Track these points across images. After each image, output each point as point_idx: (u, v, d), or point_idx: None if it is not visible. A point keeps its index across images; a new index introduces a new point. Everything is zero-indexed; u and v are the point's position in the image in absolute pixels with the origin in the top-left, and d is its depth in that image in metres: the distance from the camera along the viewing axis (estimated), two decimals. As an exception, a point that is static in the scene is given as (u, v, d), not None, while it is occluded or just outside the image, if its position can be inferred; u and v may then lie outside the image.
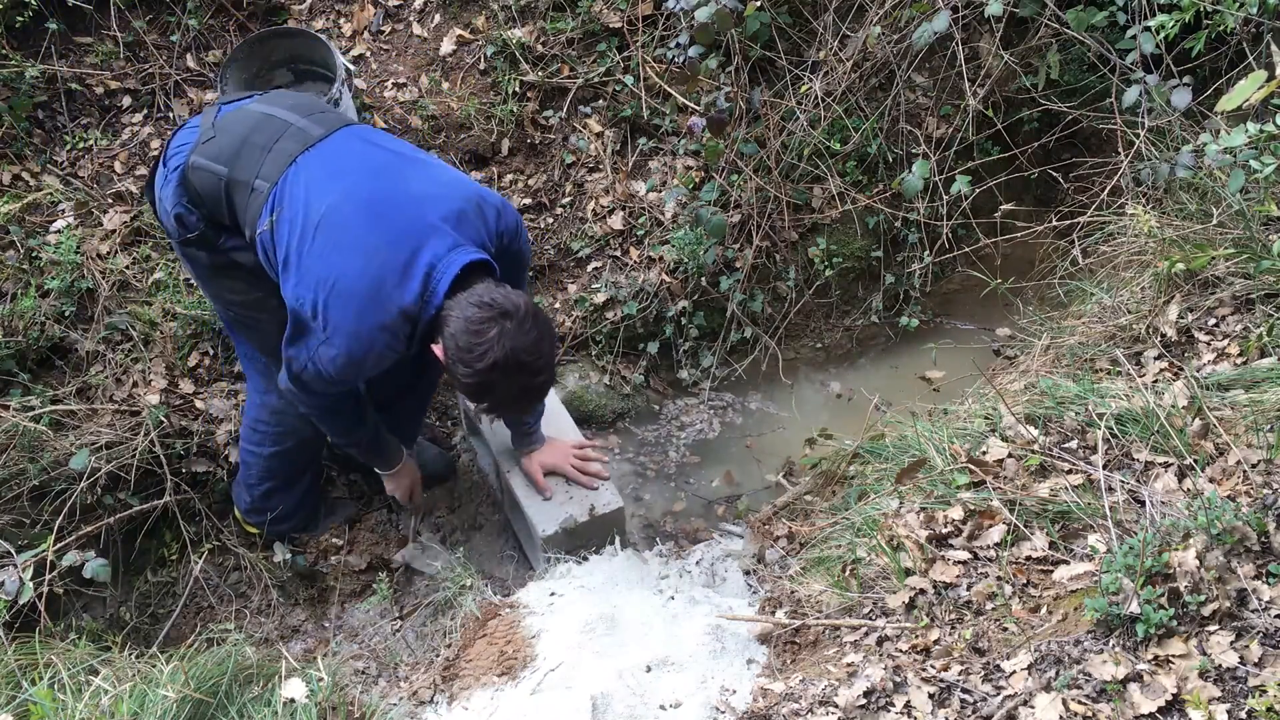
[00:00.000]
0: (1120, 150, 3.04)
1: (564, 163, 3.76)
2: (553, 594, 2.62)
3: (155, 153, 3.52)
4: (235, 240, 2.47)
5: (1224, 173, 2.65)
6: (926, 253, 3.57)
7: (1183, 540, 1.99)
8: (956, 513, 2.34)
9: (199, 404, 3.19)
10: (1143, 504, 2.18)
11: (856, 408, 3.55)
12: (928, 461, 2.52)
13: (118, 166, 3.49)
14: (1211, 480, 2.20)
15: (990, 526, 2.30)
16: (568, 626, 2.44)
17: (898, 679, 2.00)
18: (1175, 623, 1.90)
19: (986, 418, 2.63)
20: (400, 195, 2.26)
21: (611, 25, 3.79)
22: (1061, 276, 3.24)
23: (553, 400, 3.17)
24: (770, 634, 2.39)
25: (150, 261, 3.32)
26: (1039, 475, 2.36)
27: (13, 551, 2.24)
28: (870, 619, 2.24)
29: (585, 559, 2.81)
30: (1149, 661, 1.88)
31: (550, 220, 3.73)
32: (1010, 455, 2.42)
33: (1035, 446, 2.40)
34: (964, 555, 2.27)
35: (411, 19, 3.89)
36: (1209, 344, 2.68)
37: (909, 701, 1.96)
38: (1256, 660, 1.84)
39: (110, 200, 3.41)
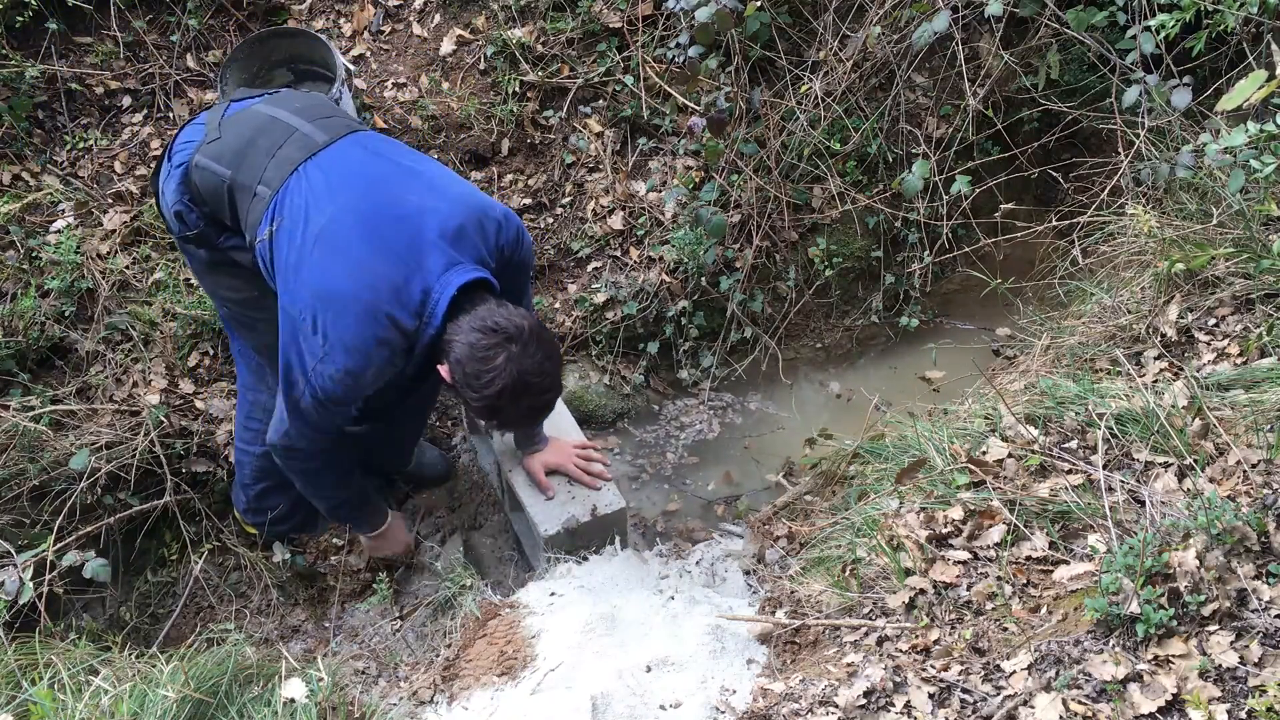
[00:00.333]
0: (1120, 150, 3.04)
1: (564, 163, 3.76)
2: (553, 594, 2.62)
3: (156, 153, 3.52)
4: (235, 240, 2.47)
5: (1224, 173, 2.65)
6: (926, 253, 3.57)
7: (1183, 540, 1.99)
8: (956, 513, 2.34)
9: (199, 404, 3.19)
10: (1143, 504, 2.18)
11: (856, 408, 3.55)
12: (928, 461, 2.52)
13: (118, 166, 3.49)
14: (1211, 480, 2.20)
15: (990, 526, 2.30)
16: (568, 626, 2.44)
17: (898, 679, 2.00)
18: (1175, 623, 1.90)
19: (986, 418, 2.63)
20: (398, 210, 2.25)
21: (611, 25, 3.79)
22: (1061, 276, 3.24)
23: (553, 400, 3.17)
24: (770, 634, 2.39)
25: (150, 261, 3.32)
26: (1039, 475, 2.36)
27: (13, 551, 2.24)
28: (870, 619, 2.24)
29: (585, 559, 2.81)
30: (1149, 661, 1.88)
31: (550, 220, 3.73)
32: (1010, 455, 2.42)
33: (1035, 446, 2.40)
34: (964, 555, 2.27)
35: (411, 19, 3.89)
36: (1209, 344, 2.68)
37: (909, 701, 1.96)
38: (1256, 660, 1.84)
39: (110, 200, 3.41)
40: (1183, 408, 2.36)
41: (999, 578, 2.18)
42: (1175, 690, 1.81)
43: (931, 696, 1.96)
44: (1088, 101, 3.43)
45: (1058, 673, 1.90)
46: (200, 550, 3.02)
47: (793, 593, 2.50)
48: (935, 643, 2.11)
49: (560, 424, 3.08)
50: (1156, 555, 1.95)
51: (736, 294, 3.61)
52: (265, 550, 3.10)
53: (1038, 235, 3.30)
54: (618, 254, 3.70)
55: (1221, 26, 2.93)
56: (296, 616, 3.07)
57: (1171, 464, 2.28)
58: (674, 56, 3.56)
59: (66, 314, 3.16)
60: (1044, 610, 2.09)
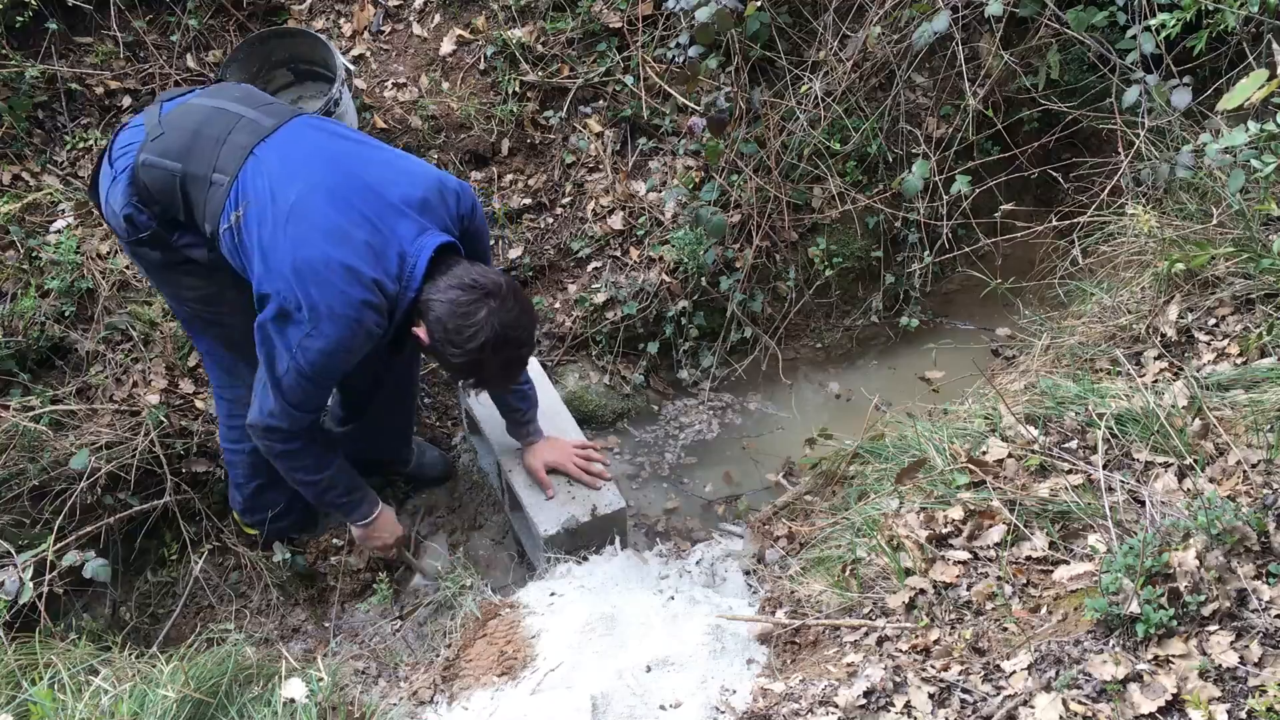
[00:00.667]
0: (1120, 150, 3.04)
1: (564, 163, 3.76)
2: (553, 594, 2.62)
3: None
4: (189, 237, 2.44)
5: (1224, 172, 2.65)
6: (926, 253, 3.57)
7: (1183, 540, 1.99)
8: (956, 513, 2.34)
9: (199, 404, 3.19)
10: (1143, 504, 2.18)
11: (856, 408, 3.55)
12: (928, 461, 2.52)
13: (118, 166, 3.48)
14: (1211, 480, 2.20)
15: (990, 526, 2.30)
16: (568, 626, 2.44)
17: (898, 679, 2.00)
18: (1175, 623, 1.90)
19: (986, 418, 2.63)
20: (364, 182, 2.28)
21: (611, 25, 3.79)
22: (1061, 276, 3.23)
23: (554, 400, 3.17)
24: (770, 634, 2.39)
25: (150, 261, 3.32)
26: (1039, 475, 2.36)
27: (13, 551, 2.24)
28: (870, 619, 2.24)
29: (585, 559, 2.81)
30: (1149, 661, 1.88)
31: (550, 220, 3.73)
32: (1010, 455, 2.42)
33: (1035, 446, 2.40)
34: (964, 555, 2.27)
35: (411, 19, 3.89)
36: (1209, 344, 2.68)
37: (909, 701, 1.96)
38: (1256, 660, 1.84)
39: (110, 200, 3.40)
40: (1183, 408, 2.36)
41: (999, 578, 2.18)
42: (1175, 690, 1.81)
43: (931, 696, 1.96)
44: (1088, 101, 3.43)
45: (1058, 673, 1.90)
46: (200, 550, 3.02)
47: (793, 593, 2.50)
48: (935, 643, 2.11)
49: (559, 424, 3.08)
50: (1156, 555, 1.95)
51: (736, 294, 3.61)
52: (265, 550, 3.10)
53: (1038, 235, 3.29)
54: (618, 254, 3.70)
55: (1222, 26, 2.93)
56: (296, 616, 3.07)
57: (1171, 464, 2.28)
58: (674, 56, 3.56)
59: (66, 314, 3.16)
60: (1044, 610, 2.09)
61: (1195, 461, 2.24)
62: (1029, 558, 2.21)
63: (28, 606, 2.19)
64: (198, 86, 2.56)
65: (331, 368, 2.32)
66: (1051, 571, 2.16)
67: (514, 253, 3.65)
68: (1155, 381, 2.59)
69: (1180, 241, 2.86)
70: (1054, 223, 3.21)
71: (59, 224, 3.31)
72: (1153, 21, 2.86)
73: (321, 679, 2.10)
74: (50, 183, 3.39)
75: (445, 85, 3.76)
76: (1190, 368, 2.58)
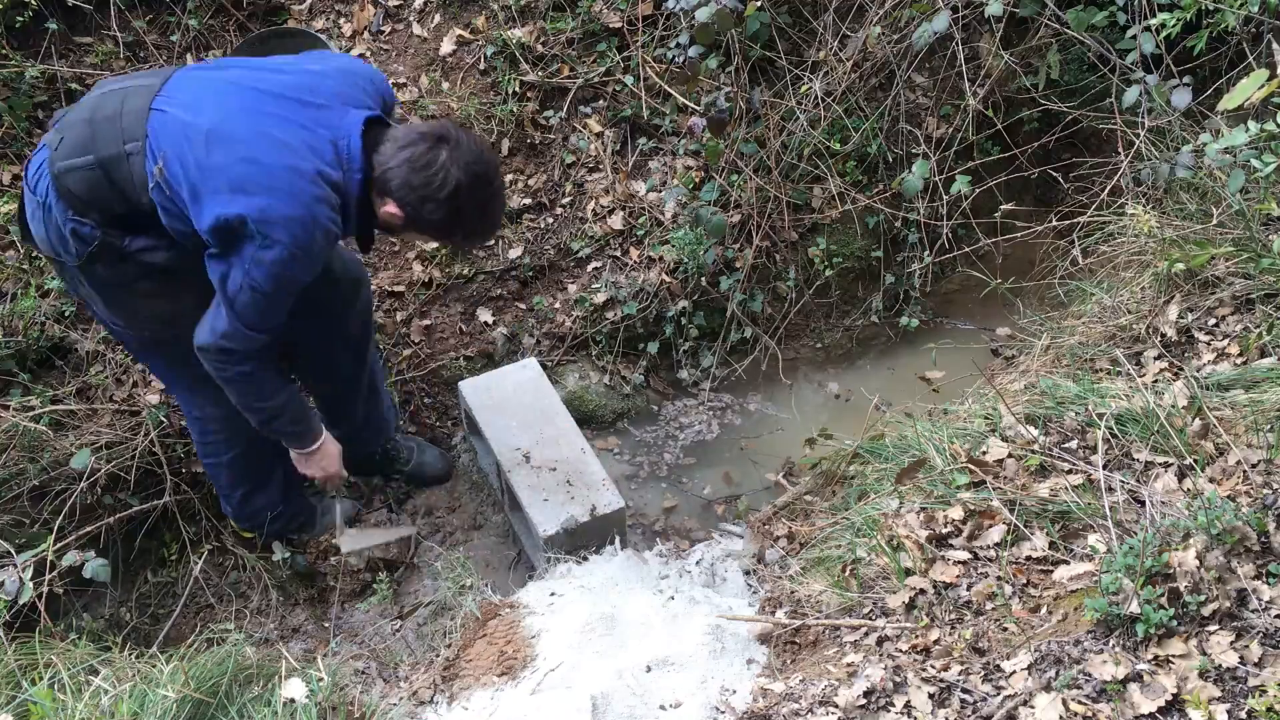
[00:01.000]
0: (1120, 150, 3.04)
1: (564, 163, 3.76)
2: (553, 594, 2.62)
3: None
4: (141, 240, 2.35)
5: (1224, 172, 2.65)
6: (926, 253, 3.57)
7: (1183, 540, 1.99)
8: (956, 513, 2.34)
9: (199, 404, 3.19)
10: (1143, 504, 2.18)
11: (856, 408, 3.55)
12: (928, 461, 2.52)
13: (118, 166, 3.48)
14: (1211, 480, 2.20)
15: (990, 526, 2.30)
16: (568, 626, 2.44)
17: (898, 679, 2.00)
18: (1175, 623, 1.90)
19: (986, 418, 2.63)
20: (275, 90, 2.26)
21: (611, 25, 3.79)
22: (1061, 276, 3.24)
23: (553, 400, 3.17)
24: (770, 634, 2.39)
25: (150, 261, 3.32)
26: (1039, 475, 2.36)
27: (13, 551, 2.24)
28: (870, 619, 2.24)
29: (585, 559, 2.81)
30: (1149, 661, 1.88)
31: (550, 220, 3.73)
32: (1010, 455, 2.42)
33: (1035, 446, 2.40)
34: (964, 555, 2.27)
35: (411, 19, 3.89)
36: (1209, 344, 2.68)
37: (909, 701, 1.96)
38: (1256, 660, 1.84)
39: (110, 200, 3.40)
40: (1183, 408, 2.36)
41: (999, 578, 2.18)
42: (1175, 690, 1.81)
43: (931, 696, 1.96)
44: (1088, 101, 3.43)
45: (1058, 673, 1.90)
46: (200, 550, 3.02)
47: (793, 593, 2.50)
48: (935, 643, 2.11)
49: (559, 424, 3.08)
50: (1156, 555, 1.95)
51: (736, 294, 3.61)
52: (265, 550, 3.10)
53: (1038, 235, 3.30)
54: (618, 254, 3.69)
55: (1222, 26, 2.93)
56: (296, 616, 3.07)
57: (1171, 464, 2.28)
58: (674, 56, 3.56)
59: (66, 314, 3.16)
60: (1044, 610, 2.09)
61: (1195, 461, 2.24)
62: (1029, 558, 2.21)
63: (28, 606, 2.18)
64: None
65: (289, 278, 2.25)
66: (1051, 571, 2.16)
67: (514, 252, 3.65)
68: (1155, 381, 2.59)
69: (1180, 241, 2.86)
70: (1054, 223, 3.22)
71: (59, 224, 3.30)
72: (1153, 21, 2.86)
73: (321, 679, 2.10)
74: (50, 183, 3.38)
75: (445, 85, 3.76)
76: (1190, 368, 2.58)
